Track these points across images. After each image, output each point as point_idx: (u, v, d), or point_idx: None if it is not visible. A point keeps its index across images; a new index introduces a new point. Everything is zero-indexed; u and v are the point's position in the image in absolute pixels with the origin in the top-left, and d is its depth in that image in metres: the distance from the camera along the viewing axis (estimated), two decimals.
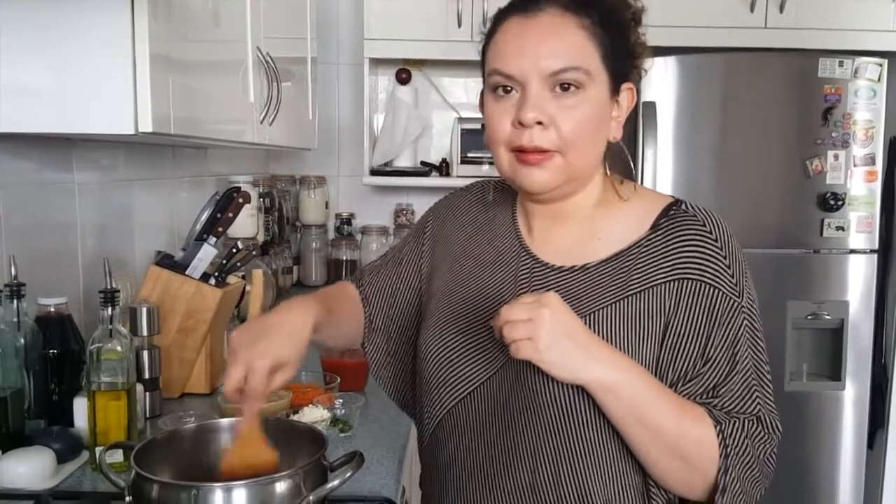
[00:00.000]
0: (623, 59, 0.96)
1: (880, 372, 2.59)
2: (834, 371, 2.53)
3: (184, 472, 0.97)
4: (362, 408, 1.53)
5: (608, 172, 1.02)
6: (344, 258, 3.01)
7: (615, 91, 0.96)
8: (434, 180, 2.89)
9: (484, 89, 0.99)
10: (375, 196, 3.12)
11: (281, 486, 0.87)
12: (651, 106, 2.39)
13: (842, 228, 2.45)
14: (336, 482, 0.90)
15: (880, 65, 2.41)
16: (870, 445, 2.58)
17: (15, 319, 1.31)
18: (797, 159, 2.44)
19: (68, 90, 1.21)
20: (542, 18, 0.92)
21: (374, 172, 2.87)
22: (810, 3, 2.50)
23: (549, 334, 0.83)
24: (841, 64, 2.40)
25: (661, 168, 2.41)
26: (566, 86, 0.91)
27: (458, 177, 2.80)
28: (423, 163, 2.99)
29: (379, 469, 1.32)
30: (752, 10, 2.48)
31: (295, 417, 1.40)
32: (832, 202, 2.42)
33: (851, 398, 2.53)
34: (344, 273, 3.01)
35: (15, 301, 1.31)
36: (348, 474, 0.91)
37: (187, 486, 0.87)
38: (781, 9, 2.48)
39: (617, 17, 0.96)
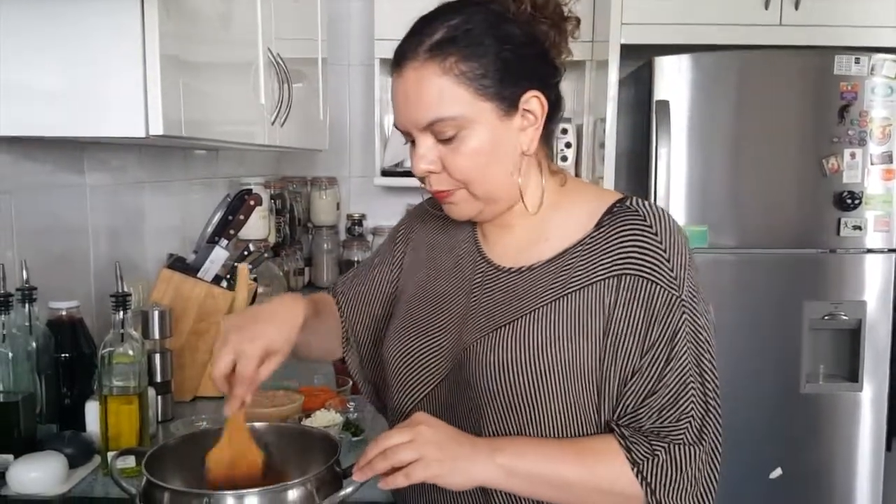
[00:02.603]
0: (517, 72, 0.94)
1: None
2: (851, 372, 2.50)
3: (195, 478, 0.96)
4: (375, 411, 1.52)
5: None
6: (355, 259, 3.01)
7: (513, 107, 0.95)
8: None
9: None
10: (386, 197, 3.11)
11: (293, 494, 0.86)
12: (664, 105, 2.37)
13: (859, 228, 2.42)
14: (349, 489, 0.89)
15: None
16: (888, 447, 2.55)
17: (27, 324, 1.31)
18: (813, 158, 2.41)
19: (79, 93, 1.21)
20: (406, 74, 0.94)
21: (385, 173, 2.86)
22: (825, 0, 2.46)
23: (435, 447, 0.85)
24: (857, 61, 2.37)
25: (674, 167, 2.39)
26: (441, 134, 0.93)
27: None
28: None
29: None
30: (766, 7, 2.45)
31: (307, 421, 1.39)
32: (849, 201, 2.39)
33: (869, 399, 2.49)
34: None
35: (27, 305, 1.31)
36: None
37: (199, 493, 0.86)
38: (796, 6, 2.45)
39: (495, 35, 0.93)
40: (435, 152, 0.95)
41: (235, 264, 1.68)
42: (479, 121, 0.93)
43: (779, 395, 2.47)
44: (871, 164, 2.41)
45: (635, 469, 0.90)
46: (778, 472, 2.47)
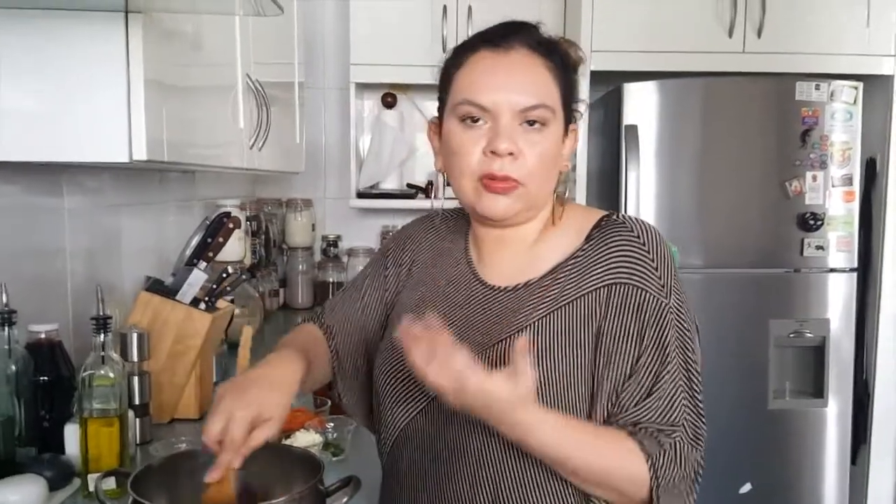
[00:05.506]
0: (573, 103, 1.04)
1: (862, 388, 2.63)
2: (816, 388, 2.56)
3: (180, 499, 0.97)
4: (354, 431, 1.54)
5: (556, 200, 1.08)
6: (330, 280, 3.02)
7: (565, 131, 1.03)
8: (420, 202, 2.91)
9: (444, 119, 1.03)
10: (362, 218, 3.14)
11: None
12: (633, 129, 2.43)
13: (821, 248, 2.50)
14: None
15: (856, 87, 2.47)
16: (853, 461, 2.61)
17: (6, 347, 1.30)
18: (776, 181, 2.48)
19: (62, 118, 1.21)
20: (512, 55, 0.98)
21: (360, 195, 2.89)
22: (787, 28, 2.55)
23: (471, 404, 0.87)
24: (818, 87, 2.46)
25: (643, 190, 2.45)
26: (533, 122, 0.97)
27: (446, 199, 2.81)
28: (409, 185, 3.02)
29: (373, 494, 1.33)
30: (730, 35, 2.53)
31: (287, 442, 1.41)
32: (811, 222, 2.47)
33: (834, 415, 2.56)
34: (331, 295, 3.01)
35: (6, 328, 1.31)
36: (344, 499, 0.92)
37: None
38: (759, 34, 2.54)
39: (570, 64, 1.03)
40: (517, 138, 0.97)
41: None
42: (557, 125, 0.99)
43: (747, 412, 2.52)
44: (833, 186, 2.49)
45: (649, 461, 0.91)
46: (748, 486, 2.52)
